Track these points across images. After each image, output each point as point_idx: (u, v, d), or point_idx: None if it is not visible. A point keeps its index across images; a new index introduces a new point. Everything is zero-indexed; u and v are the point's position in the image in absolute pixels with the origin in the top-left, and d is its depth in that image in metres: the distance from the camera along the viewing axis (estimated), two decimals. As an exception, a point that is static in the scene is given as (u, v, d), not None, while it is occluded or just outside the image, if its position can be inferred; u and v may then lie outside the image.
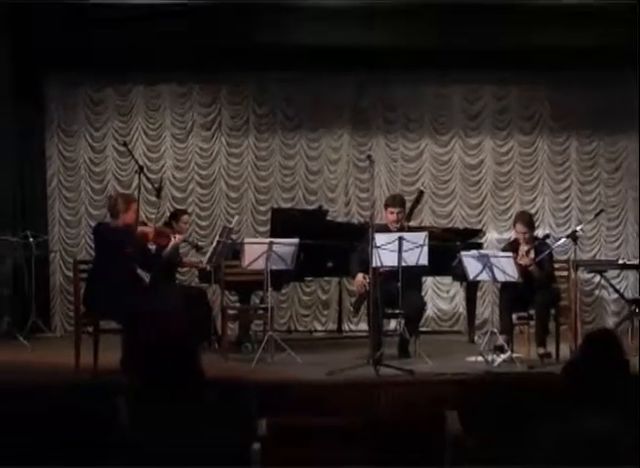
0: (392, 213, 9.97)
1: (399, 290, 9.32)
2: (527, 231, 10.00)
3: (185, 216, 11.19)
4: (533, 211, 12.47)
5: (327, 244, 10.60)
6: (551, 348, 9.82)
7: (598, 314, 12.77)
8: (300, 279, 11.54)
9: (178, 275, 11.41)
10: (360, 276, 9.87)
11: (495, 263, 9.49)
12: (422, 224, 11.92)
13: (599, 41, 11.79)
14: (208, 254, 10.78)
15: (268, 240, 10.14)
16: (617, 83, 12.86)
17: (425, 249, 9.36)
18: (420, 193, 11.76)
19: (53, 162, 12.88)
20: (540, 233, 10.70)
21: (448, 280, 12.01)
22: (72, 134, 12.89)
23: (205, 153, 13.02)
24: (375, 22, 11.38)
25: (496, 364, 9.35)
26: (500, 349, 9.62)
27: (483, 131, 13.08)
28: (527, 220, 10.14)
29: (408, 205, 10.60)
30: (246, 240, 10.57)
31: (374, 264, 9.25)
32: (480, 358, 9.56)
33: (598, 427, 3.84)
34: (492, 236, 12.44)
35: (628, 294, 12.28)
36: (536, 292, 9.85)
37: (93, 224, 10.91)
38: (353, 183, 13.04)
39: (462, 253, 9.81)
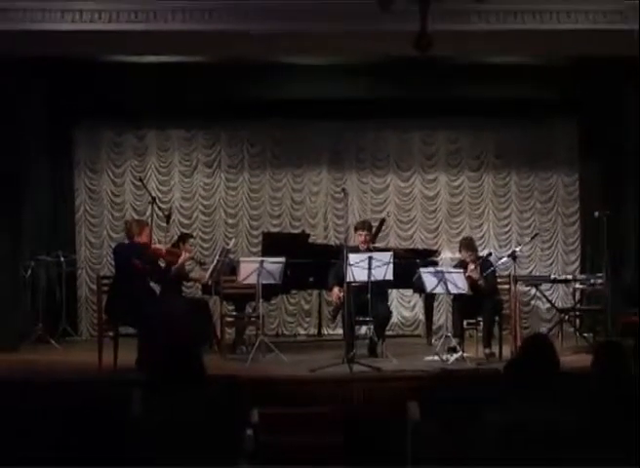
0: (361, 235, 10.03)
1: (369, 300, 9.33)
2: (470, 254, 10.09)
3: (191, 239, 11.20)
4: (479, 234, 12.49)
5: (309, 262, 10.60)
6: (495, 349, 9.83)
7: (534, 321, 12.75)
8: (287, 291, 11.51)
9: (184, 288, 11.37)
10: (336, 289, 9.88)
11: (448, 278, 9.51)
12: (388, 245, 11.90)
13: (535, 93, 11.85)
14: (209, 271, 10.77)
15: (260, 259, 10.14)
16: (548, 128, 12.92)
17: (391, 266, 9.38)
18: (382, 220, 11.75)
19: (80, 194, 12.85)
20: (484, 252, 10.70)
21: (409, 292, 11.98)
22: (97, 170, 12.86)
23: (207, 187, 13.00)
24: (348, 79, 11.40)
25: (449, 362, 9.36)
26: (452, 350, 9.64)
27: (438, 168, 13.09)
28: (468, 245, 10.21)
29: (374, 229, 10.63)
30: (241, 259, 10.57)
31: (348, 279, 9.26)
32: (436, 357, 9.57)
33: (534, 414, 3.84)
34: (446, 255, 12.41)
35: (559, 304, 12.29)
36: (482, 303, 9.88)
37: (113, 246, 10.87)
38: (331, 212, 13.03)
39: (421, 269, 9.83)
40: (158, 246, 9.69)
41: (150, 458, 3.99)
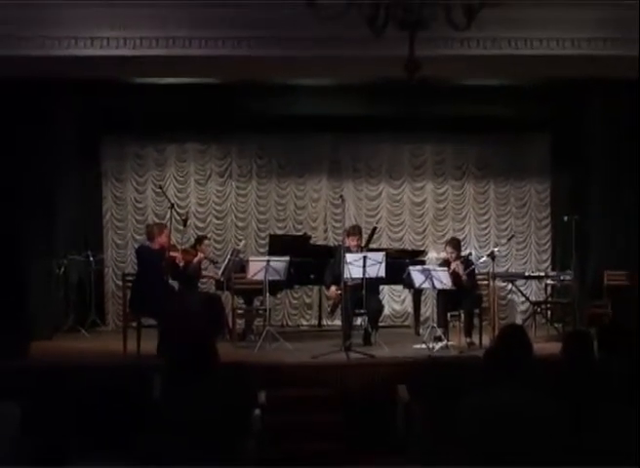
0: (353, 239, 10.00)
1: (364, 295, 9.33)
2: (454, 251, 10.12)
3: (206, 241, 11.19)
4: (462, 236, 12.46)
5: (310, 261, 10.60)
6: (476, 338, 9.83)
7: (510, 313, 12.75)
8: (290, 287, 11.50)
9: (199, 284, 11.36)
10: (333, 288, 9.90)
11: (434, 275, 9.52)
12: (381, 246, 11.91)
13: (511, 111, 11.87)
14: (221, 269, 10.80)
15: (267, 258, 10.16)
16: (523, 142, 12.93)
17: (383, 264, 9.38)
18: (374, 229, 11.75)
19: (107, 200, 12.85)
20: (466, 253, 10.70)
21: (400, 287, 11.99)
22: (122, 180, 12.87)
23: (220, 194, 13.00)
24: (346, 98, 11.41)
25: (435, 350, 9.36)
26: (438, 339, 9.64)
27: (425, 177, 13.10)
28: (454, 244, 10.26)
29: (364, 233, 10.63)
30: (250, 258, 10.59)
31: (345, 276, 9.26)
32: (423, 345, 9.57)
33: (510, 396, 3.84)
34: (432, 255, 12.41)
35: (532, 298, 12.29)
36: (464, 297, 9.88)
37: (136, 247, 10.87)
38: (330, 216, 13.02)
39: (410, 267, 9.84)
40: (174, 253, 9.70)
41: (169, 435, 3.99)
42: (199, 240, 11.04)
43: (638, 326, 9.29)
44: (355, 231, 10.12)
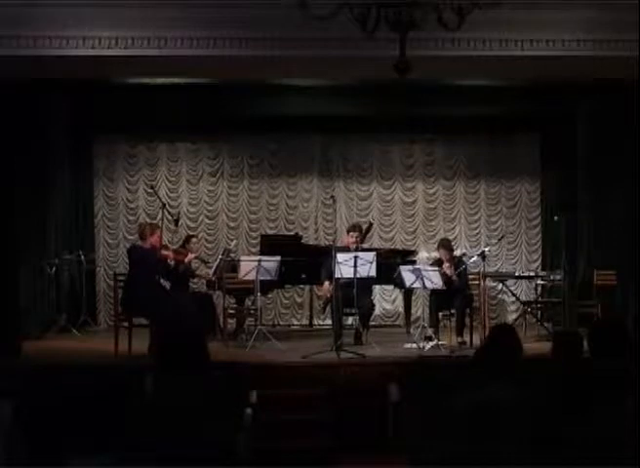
0: (352, 236, 10.07)
1: (355, 294, 9.34)
2: (446, 253, 10.13)
3: (195, 239, 11.19)
4: (452, 236, 12.48)
5: (301, 260, 10.60)
6: (467, 337, 9.85)
7: (501, 312, 12.77)
8: (282, 286, 11.48)
9: (191, 284, 11.35)
10: (326, 283, 9.90)
11: (425, 275, 9.54)
12: (372, 246, 11.91)
13: (501, 112, 11.89)
14: (213, 268, 10.79)
15: (258, 258, 10.16)
16: (513, 143, 12.96)
17: (374, 264, 9.39)
18: (370, 224, 11.79)
19: (99, 200, 12.83)
20: (458, 253, 10.72)
21: (391, 287, 11.99)
22: (113, 179, 12.85)
23: (211, 194, 12.99)
24: (337, 98, 11.40)
25: (426, 349, 9.38)
26: (429, 338, 9.66)
27: (416, 177, 13.10)
28: (446, 246, 10.29)
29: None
30: (242, 258, 10.60)
31: (336, 275, 9.27)
32: (414, 345, 9.59)
33: (500, 394, 3.85)
34: (423, 255, 12.43)
35: (522, 298, 12.31)
36: (455, 296, 9.91)
37: (128, 246, 10.87)
38: (321, 216, 13.03)
39: (401, 267, 9.86)
40: (165, 252, 9.73)
41: (160, 433, 3.99)
42: (187, 239, 11.06)
43: (638, 325, 9.33)
44: (355, 229, 10.22)
